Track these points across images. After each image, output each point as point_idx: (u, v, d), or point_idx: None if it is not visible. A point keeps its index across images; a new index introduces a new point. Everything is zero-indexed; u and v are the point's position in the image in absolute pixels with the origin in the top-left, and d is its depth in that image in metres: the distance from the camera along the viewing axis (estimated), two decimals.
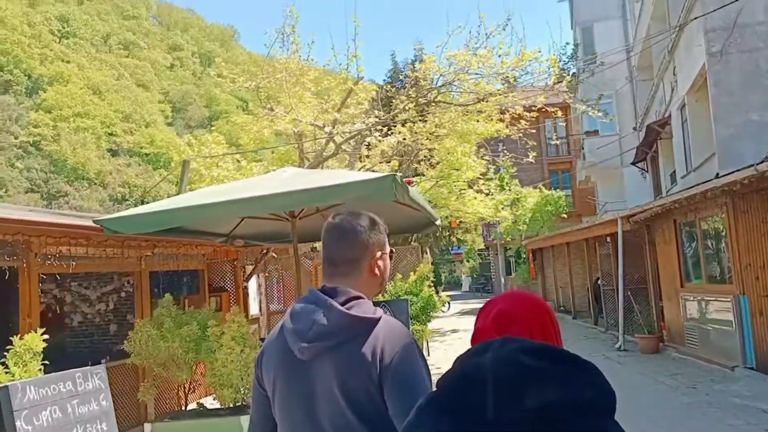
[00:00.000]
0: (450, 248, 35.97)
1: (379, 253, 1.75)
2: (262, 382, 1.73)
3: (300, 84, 12.49)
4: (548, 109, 13.21)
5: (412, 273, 12.06)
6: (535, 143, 14.64)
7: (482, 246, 36.95)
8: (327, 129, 10.87)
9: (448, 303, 24.70)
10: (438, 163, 16.66)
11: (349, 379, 1.55)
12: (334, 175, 6.31)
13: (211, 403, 6.83)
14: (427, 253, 25.89)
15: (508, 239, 30.37)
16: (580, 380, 0.79)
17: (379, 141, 11.48)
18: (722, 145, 11.84)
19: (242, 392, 5.80)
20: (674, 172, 16.74)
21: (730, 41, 12.09)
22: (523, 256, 29.14)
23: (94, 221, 5.47)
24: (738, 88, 11.94)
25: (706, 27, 12.27)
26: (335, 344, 1.57)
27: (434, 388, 0.89)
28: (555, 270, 22.24)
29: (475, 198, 17.56)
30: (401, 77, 20.54)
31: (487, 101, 11.98)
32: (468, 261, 45.76)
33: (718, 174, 9.66)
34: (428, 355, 12.56)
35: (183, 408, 6.67)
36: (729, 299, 9.21)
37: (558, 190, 31.06)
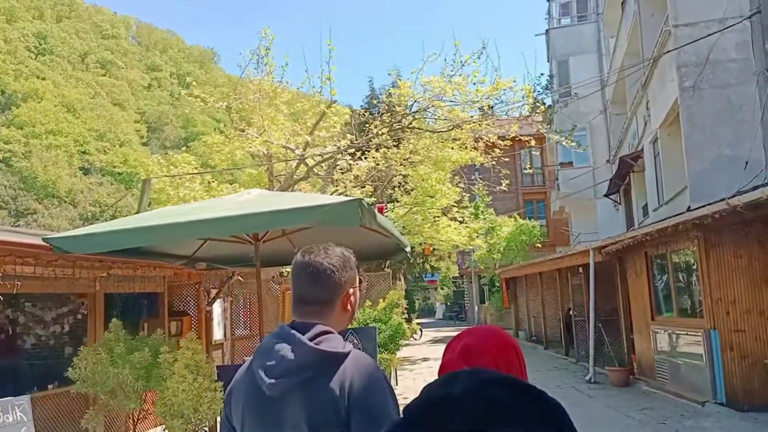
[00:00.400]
0: (424, 275, 35.78)
1: (351, 290, 1.74)
2: (231, 419, 1.71)
3: (273, 106, 12.34)
4: (523, 138, 13.21)
5: (381, 300, 11.81)
6: (509, 171, 14.60)
7: (457, 274, 36.87)
8: (298, 151, 10.66)
9: (420, 331, 24.47)
10: (412, 189, 16.58)
11: (317, 414, 1.53)
12: (299, 198, 6.12)
13: None
14: (400, 280, 25.72)
15: (482, 267, 30.34)
16: (544, 416, 0.79)
17: (350, 164, 11.31)
18: (694, 179, 11.89)
19: (193, 423, 5.48)
20: (646, 204, 16.83)
21: (702, 77, 12.24)
22: (497, 284, 29.09)
23: (44, 239, 5.19)
24: (710, 122, 12.04)
25: (678, 62, 12.41)
26: (303, 380, 1.56)
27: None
28: (528, 299, 22.14)
29: (449, 225, 17.45)
30: (377, 103, 20.53)
31: (461, 128, 11.93)
32: (443, 288, 45.65)
33: (689, 207, 9.66)
34: (396, 384, 12.26)
35: None
36: (700, 333, 9.12)
37: (533, 219, 31.28)
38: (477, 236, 19.68)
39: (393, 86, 11.58)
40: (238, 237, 6.05)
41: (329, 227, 5.37)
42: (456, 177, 16.91)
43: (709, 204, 8.22)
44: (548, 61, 29.10)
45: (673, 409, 8.91)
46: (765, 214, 7.71)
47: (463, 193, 18.84)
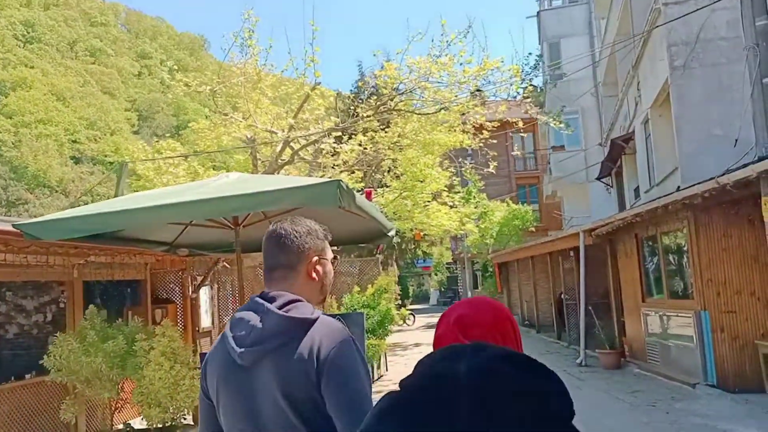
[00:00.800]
0: (416, 261, 35.71)
1: (316, 258, 1.77)
2: (207, 392, 1.73)
3: (258, 89, 12.10)
4: (511, 120, 13.02)
5: (369, 286, 11.68)
6: (496, 153, 14.42)
7: (450, 260, 36.81)
8: (281, 134, 10.44)
9: (413, 316, 24.41)
10: (402, 174, 16.39)
11: (288, 380, 1.56)
12: (278, 181, 5.96)
13: (140, 423, 6.33)
14: (392, 266, 25.61)
15: (475, 253, 30.25)
16: (549, 392, 0.79)
17: (334, 148, 11.08)
18: (685, 160, 11.76)
19: (171, 412, 5.35)
20: (638, 187, 16.72)
21: (693, 56, 12.08)
22: (490, 270, 29.02)
23: (14, 226, 5.03)
24: (701, 102, 11.89)
25: (669, 41, 12.24)
26: (274, 347, 1.58)
27: (378, 397, 0.84)
28: (520, 284, 22.09)
29: (439, 210, 17.29)
30: (363, 86, 20.27)
31: (448, 110, 11.72)
32: (436, 275, 45.62)
33: (679, 187, 9.53)
34: (386, 369, 12.17)
35: (110, 429, 6.17)
36: (690, 315, 9.03)
37: (525, 204, 31.18)
38: (468, 221, 19.51)
39: (381, 68, 11.35)
40: (218, 222, 5.91)
41: (312, 211, 5.23)
42: (446, 161, 16.73)
43: (699, 183, 8.09)
44: (539, 43, 28.93)
45: (664, 391, 8.83)
46: (755, 192, 7.55)
47: (454, 178, 18.66)
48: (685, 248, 9.31)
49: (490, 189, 31.00)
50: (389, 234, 7.13)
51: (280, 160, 11.17)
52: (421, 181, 16.16)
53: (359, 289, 12.46)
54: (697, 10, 10.91)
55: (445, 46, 10.43)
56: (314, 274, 1.76)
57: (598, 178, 21.83)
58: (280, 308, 1.61)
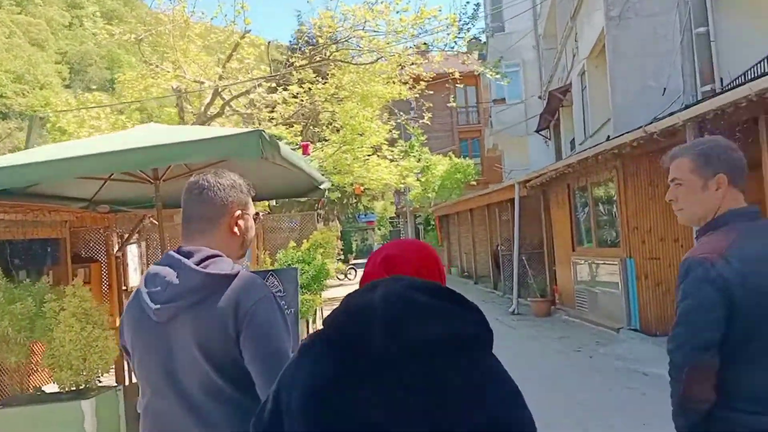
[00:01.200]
0: (358, 216, 35.64)
1: (238, 212, 1.73)
2: (126, 347, 1.72)
3: (186, 37, 11.51)
4: (449, 71, 12.84)
5: (305, 241, 11.50)
6: (432, 104, 14.25)
7: (394, 214, 36.90)
8: (208, 84, 9.97)
9: (354, 270, 24.50)
10: (341, 128, 16.11)
11: (206, 336, 1.55)
12: (198, 132, 5.66)
13: (53, 387, 6.07)
14: (334, 222, 25.46)
15: (417, 207, 30.38)
16: (462, 317, 0.85)
17: (265, 99, 10.68)
18: (618, 111, 11.89)
19: (84, 374, 5.12)
20: (574, 139, 16.94)
21: (628, 5, 12.08)
22: (432, 223, 29.25)
23: None
24: (635, 53, 11.95)
25: None
26: (191, 303, 1.56)
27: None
28: (460, 236, 22.34)
29: (379, 164, 17.14)
30: (300, 37, 19.63)
31: (386, 60, 11.44)
32: (380, 229, 45.74)
33: (609, 137, 9.64)
34: (322, 325, 12.10)
35: (20, 394, 5.89)
36: (616, 262, 9.26)
37: (468, 158, 31.33)
38: (409, 175, 19.45)
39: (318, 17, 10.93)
40: (138, 176, 5.58)
41: (238, 166, 5.00)
42: (387, 114, 16.49)
43: (627, 132, 8.17)
44: None
45: (590, 336, 9.11)
46: (681, 141, 7.69)
47: (395, 132, 18.46)
48: (615, 197, 9.49)
49: (432, 143, 30.99)
50: (321, 187, 6.94)
51: (209, 112, 10.71)
52: (361, 135, 15.94)
53: (295, 244, 12.26)
54: None
55: None
56: (236, 229, 1.73)
57: (537, 131, 22.05)
58: (198, 264, 1.58)
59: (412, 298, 0.81)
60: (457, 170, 28.61)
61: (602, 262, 9.91)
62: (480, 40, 32.20)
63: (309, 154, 13.52)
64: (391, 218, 40.36)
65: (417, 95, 12.84)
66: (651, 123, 7.59)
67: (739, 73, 8.79)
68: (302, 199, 20.18)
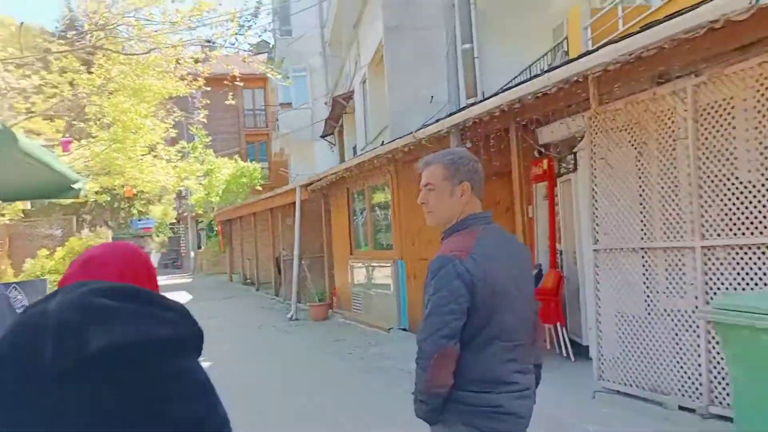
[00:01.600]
0: (131, 221, 33.03)
1: None
2: None
3: None
4: (228, 68, 12.23)
5: (59, 248, 10.09)
6: (208, 101, 13.53)
7: (175, 219, 34.80)
8: None
9: None
10: (112, 124, 14.57)
11: None
12: None
13: None
14: (101, 227, 23.14)
15: (200, 212, 28.95)
16: (155, 318, 0.75)
17: (10, 84, 9.06)
18: (394, 118, 12.26)
19: None
20: (356, 145, 17.30)
21: (405, 17, 12.56)
22: (215, 229, 28.05)
23: None
24: (410, 63, 12.44)
25: (384, 1, 12.55)
26: None
27: None
28: (243, 242, 21.65)
29: (155, 165, 15.82)
30: (68, 24, 17.57)
31: (160, 51, 10.47)
32: (158, 236, 42.94)
33: (383, 142, 9.83)
34: None
35: None
36: (389, 264, 9.45)
37: (255, 162, 30.73)
38: (189, 177, 18.31)
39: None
40: None
41: None
42: (163, 112, 15.24)
43: (399, 138, 8.36)
44: None
45: (363, 338, 9.15)
46: (447, 146, 8.06)
47: (173, 130, 17.26)
48: (389, 202, 9.69)
49: (218, 145, 29.98)
50: (75, 186, 6.00)
51: None
52: (135, 132, 14.58)
53: (48, 252, 10.73)
54: None
55: None
56: None
57: (322, 136, 22.25)
58: None
59: (92, 303, 0.73)
60: (242, 174, 27.87)
61: (377, 264, 10.07)
62: (269, 43, 31.88)
63: (69, 151, 11.98)
64: (171, 224, 38.04)
65: (193, 91, 12.02)
66: (419, 129, 7.83)
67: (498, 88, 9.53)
68: (64, 202, 17.95)
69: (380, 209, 10.40)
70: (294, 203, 13.30)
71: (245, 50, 12.81)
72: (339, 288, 11.96)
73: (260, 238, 19.23)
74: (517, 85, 5.75)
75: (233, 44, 12.86)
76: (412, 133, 7.98)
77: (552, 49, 10.08)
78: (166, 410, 0.73)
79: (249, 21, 22.70)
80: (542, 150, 7.36)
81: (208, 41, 12.77)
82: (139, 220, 33.05)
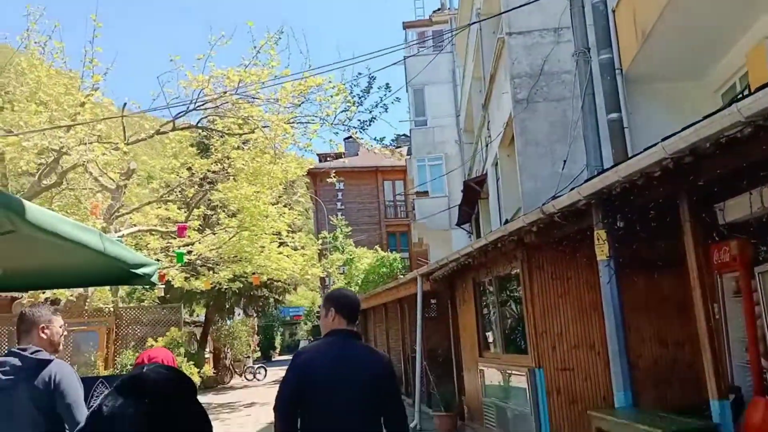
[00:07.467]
0: (281, 309, 33.58)
1: (43, 325, 3.21)
2: None
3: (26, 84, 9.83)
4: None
5: (159, 339, 9.57)
6: (306, 188, 12.90)
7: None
8: (28, 144, 8.19)
9: (264, 370, 22.45)
10: (238, 211, 14.54)
11: (33, 399, 2.92)
12: None
13: None
14: (244, 315, 23.33)
15: None
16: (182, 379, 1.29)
17: (83, 156, 8.75)
18: (527, 198, 10.79)
19: None
20: (492, 231, 15.87)
21: (536, 89, 11.33)
22: None
23: None
24: (544, 138, 11.07)
25: (512, 73, 11.44)
26: (25, 376, 2.96)
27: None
28: (376, 334, 20.60)
29: (281, 252, 15.49)
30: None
31: (270, 129, 9.99)
32: (305, 323, 43.43)
33: (506, 220, 8.37)
34: None
35: None
36: (524, 373, 7.70)
37: (395, 252, 30.52)
38: (315, 265, 17.90)
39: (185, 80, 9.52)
40: None
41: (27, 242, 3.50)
42: (283, 196, 15.06)
43: (525, 215, 6.88)
44: (406, 90, 28.72)
45: None
46: (589, 224, 6.41)
47: (298, 218, 16.95)
48: (520, 293, 8.07)
49: (360, 235, 30.32)
50: (139, 272, 5.21)
51: (43, 183, 8.91)
52: (266, 216, 14.45)
53: (157, 343, 10.30)
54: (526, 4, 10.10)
55: (254, 54, 8.83)
56: (43, 335, 3.20)
57: (458, 224, 21.18)
58: (31, 353, 3.05)
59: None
60: (382, 264, 27.53)
61: (511, 371, 8.34)
62: (407, 136, 32.29)
63: (184, 237, 11.80)
64: (317, 312, 38.40)
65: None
66: (547, 202, 6.34)
67: None
68: (201, 289, 17.89)
69: (510, 302, 8.77)
70: (415, 293, 12.00)
71: (355, 126, 11.87)
72: (469, 395, 10.26)
73: (391, 331, 18.04)
74: (685, 128, 4.06)
75: (337, 118, 12.27)
76: (540, 207, 6.50)
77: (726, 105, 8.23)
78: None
79: (361, 97, 22.74)
80: (725, 230, 5.48)
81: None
82: (290, 308, 33.53)
